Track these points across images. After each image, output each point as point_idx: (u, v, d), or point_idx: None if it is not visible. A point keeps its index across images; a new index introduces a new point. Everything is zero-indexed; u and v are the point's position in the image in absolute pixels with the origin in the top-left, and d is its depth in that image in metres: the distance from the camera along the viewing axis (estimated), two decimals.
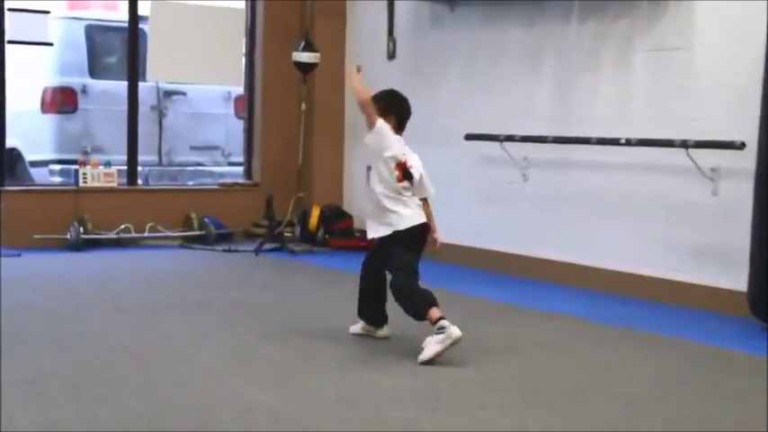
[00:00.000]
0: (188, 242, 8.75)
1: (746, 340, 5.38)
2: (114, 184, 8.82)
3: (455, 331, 4.50)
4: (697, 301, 6.23)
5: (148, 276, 7.09)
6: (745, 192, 5.84)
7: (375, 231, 4.92)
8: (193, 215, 8.88)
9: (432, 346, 4.53)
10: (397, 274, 4.80)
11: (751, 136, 5.80)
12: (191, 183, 10.67)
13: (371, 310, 5.12)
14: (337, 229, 8.99)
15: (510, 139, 7.43)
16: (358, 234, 8.95)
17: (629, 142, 6.58)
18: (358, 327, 5.18)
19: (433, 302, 4.62)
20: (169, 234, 8.76)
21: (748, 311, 5.76)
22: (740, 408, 4.05)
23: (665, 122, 6.51)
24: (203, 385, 4.11)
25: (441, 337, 4.51)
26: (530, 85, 7.53)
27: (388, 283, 4.90)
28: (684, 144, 6.24)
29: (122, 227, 8.54)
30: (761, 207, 5.65)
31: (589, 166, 7.06)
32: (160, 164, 11.16)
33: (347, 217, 9.11)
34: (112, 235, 8.51)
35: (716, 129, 6.16)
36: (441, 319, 4.54)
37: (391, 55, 8.82)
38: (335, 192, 9.40)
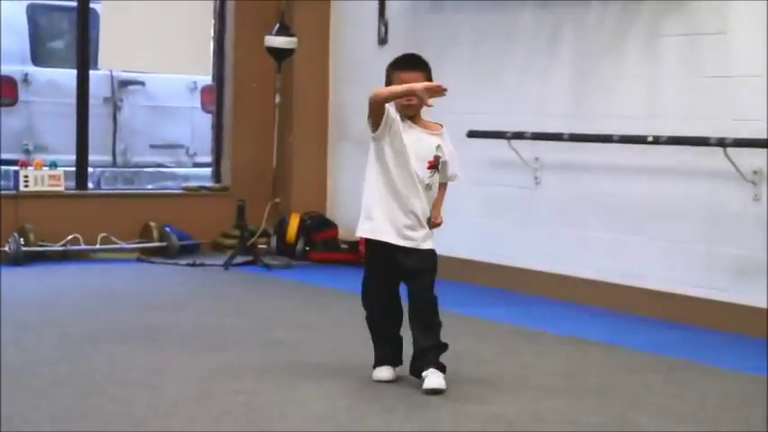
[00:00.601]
0: (147, 255, 8.71)
1: None
2: (61, 189, 8.78)
3: None
4: (738, 325, 6.21)
5: (100, 296, 7.04)
6: None
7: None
8: (153, 224, 8.82)
9: (441, 378, 4.58)
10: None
11: None
12: (150, 186, 10.65)
13: (399, 348, 4.84)
14: (320, 241, 8.97)
15: (519, 136, 7.40)
16: (344, 246, 8.93)
17: (657, 140, 6.56)
18: (389, 372, 4.80)
19: None
20: (125, 246, 8.71)
21: None
22: None
23: (698, 118, 6.50)
24: (165, 426, 4.05)
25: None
26: (543, 74, 7.52)
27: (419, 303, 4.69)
28: (721, 143, 6.21)
29: (70, 237, 8.49)
30: None
31: (611, 168, 7.04)
32: (114, 165, 11.14)
33: (331, 226, 9.09)
34: (58, 247, 8.46)
35: (758, 125, 6.14)
36: None
37: (382, 40, 8.79)
38: (318, 197, 9.37)
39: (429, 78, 4.73)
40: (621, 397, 4.71)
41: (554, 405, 4.52)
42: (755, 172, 6.17)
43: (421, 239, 4.67)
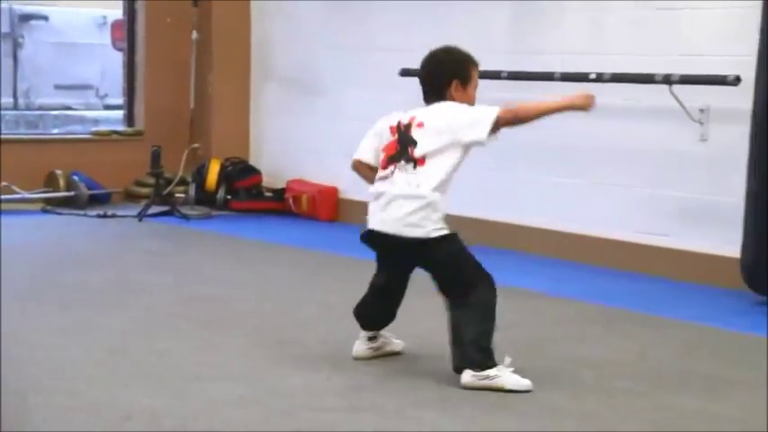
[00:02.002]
0: (52, 206, 8.66)
1: (740, 317, 5.54)
2: None
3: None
4: (684, 271, 6.34)
5: (2, 251, 7.00)
6: (739, 137, 5.95)
7: None
8: (59, 172, 8.77)
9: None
10: None
11: (747, 69, 5.89)
12: (56, 131, 10.55)
13: None
14: (242, 189, 8.99)
15: None
16: (268, 194, 8.96)
17: (600, 78, 6.61)
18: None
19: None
20: (28, 196, 8.66)
21: (743, 283, 5.89)
22: (740, 401, 4.17)
23: (644, 53, 6.59)
24: (72, 389, 4.07)
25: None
26: (481, 8, 7.55)
27: None
28: (667, 79, 6.30)
29: None
30: (758, 155, 5.76)
31: None
32: (16, 107, 11.00)
33: (254, 173, 9.11)
34: None
35: (705, 61, 6.24)
36: None
37: None
38: (239, 142, 9.37)
39: None
40: (558, 349, 4.81)
41: None
42: (702, 110, 6.28)
43: None
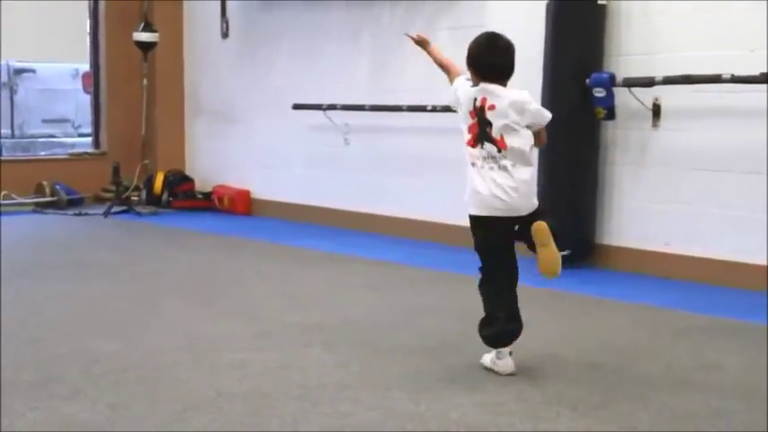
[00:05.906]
0: (41, 207, 8.41)
1: (535, 277, 5.57)
2: None
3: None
4: None
5: (3, 241, 6.76)
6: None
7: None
8: (45, 183, 8.54)
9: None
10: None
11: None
12: (43, 153, 10.29)
13: None
14: (180, 192, 8.83)
15: (332, 108, 7.42)
16: (200, 196, 8.83)
17: (434, 109, 6.67)
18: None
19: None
20: (22, 201, 8.39)
21: None
22: (547, 330, 4.20)
23: None
24: (54, 341, 3.95)
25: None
26: (349, 60, 7.52)
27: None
28: None
29: None
30: (540, 162, 5.83)
31: (401, 130, 7.12)
32: (13, 136, 10.71)
33: (189, 180, 8.95)
34: None
35: None
36: None
37: (225, 34, 8.65)
38: (178, 158, 9.19)
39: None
40: (412, 302, 4.81)
41: (362, 311, 4.58)
42: None
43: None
